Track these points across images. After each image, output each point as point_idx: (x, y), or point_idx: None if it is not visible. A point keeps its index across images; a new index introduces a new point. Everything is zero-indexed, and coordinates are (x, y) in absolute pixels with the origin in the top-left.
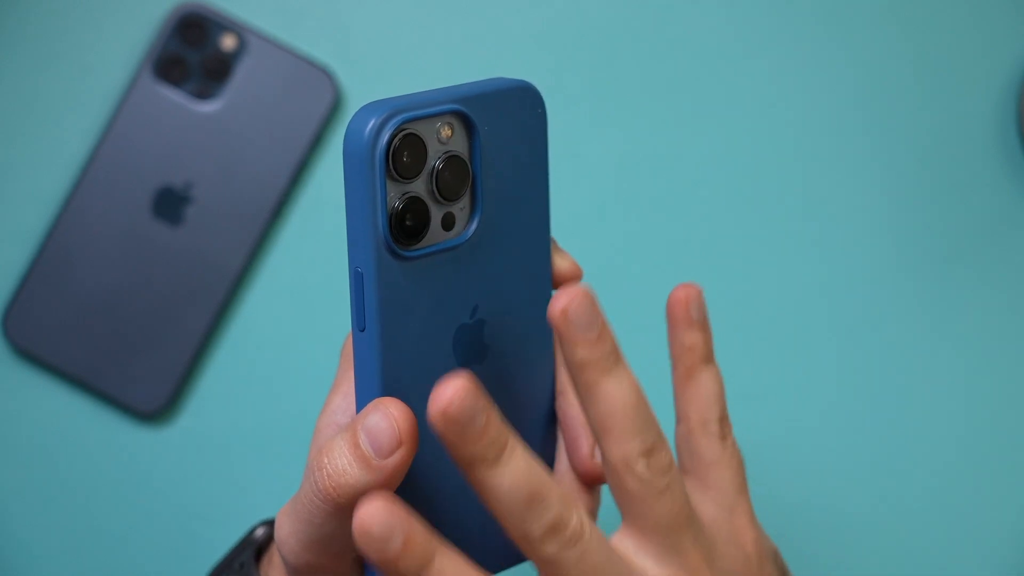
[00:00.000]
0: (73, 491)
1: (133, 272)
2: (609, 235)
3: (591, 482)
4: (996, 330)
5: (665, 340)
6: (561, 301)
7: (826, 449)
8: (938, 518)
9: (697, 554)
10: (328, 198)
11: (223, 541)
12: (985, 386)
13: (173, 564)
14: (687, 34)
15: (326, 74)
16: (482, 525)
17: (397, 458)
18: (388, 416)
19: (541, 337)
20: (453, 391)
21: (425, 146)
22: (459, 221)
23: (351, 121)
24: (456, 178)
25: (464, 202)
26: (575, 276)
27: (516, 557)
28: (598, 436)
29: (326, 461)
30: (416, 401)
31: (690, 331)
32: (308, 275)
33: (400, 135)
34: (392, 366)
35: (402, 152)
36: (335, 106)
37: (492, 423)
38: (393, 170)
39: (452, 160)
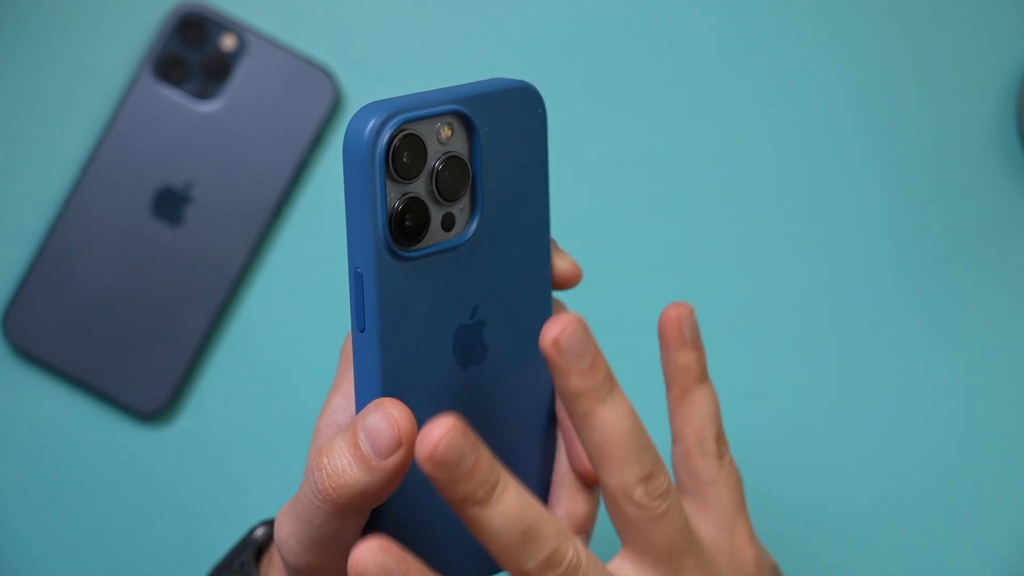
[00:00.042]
0: (73, 491)
1: (133, 272)
2: (609, 235)
3: (592, 482)
4: (996, 330)
5: None
6: (552, 331)
7: (826, 449)
8: (938, 518)
9: None
10: (328, 198)
11: (223, 541)
12: (985, 386)
13: (173, 564)
14: (687, 34)
15: (326, 74)
16: None
17: (397, 459)
18: (388, 417)
19: None
20: (440, 433)
21: (425, 146)
22: (459, 221)
23: (351, 121)
24: (456, 178)
25: (464, 202)
26: (576, 276)
27: None
28: (595, 464)
29: (326, 461)
30: (416, 402)
31: (683, 351)
32: (308, 275)
33: (400, 135)
34: (392, 366)
35: (402, 152)
36: (335, 106)
37: (481, 462)
38: (393, 170)
39: (452, 160)
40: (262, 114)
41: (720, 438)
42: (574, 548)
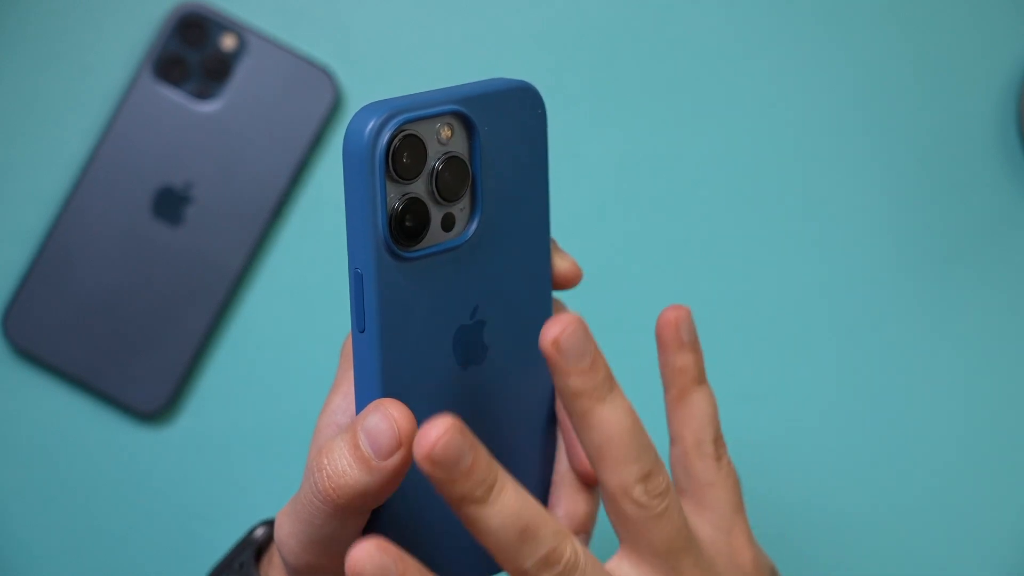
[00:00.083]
0: (73, 491)
1: (133, 272)
2: (609, 235)
3: (591, 483)
4: (996, 330)
5: None
6: (552, 331)
7: (826, 449)
8: (938, 518)
9: None
10: (328, 198)
11: (223, 541)
12: (985, 386)
13: (173, 564)
14: (687, 34)
15: (326, 74)
16: None
17: (397, 459)
18: (388, 417)
19: None
20: (438, 432)
21: (425, 147)
22: (459, 222)
23: (351, 122)
24: (456, 179)
25: (464, 203)
26: (576, 277)
27: None
28: (594, 463)
29: (326, 462)
30: (416, 402)
31: (681, 353)
32: (308, 275)
33: (400, 136)
34: (392, 367)
35: (402, 153)
36: (335, 106)
37: (479, 462)
38: (393, 171)
39: (452, 161)
40: (262, 114)
41: (718, 440)
42: (572, 547)
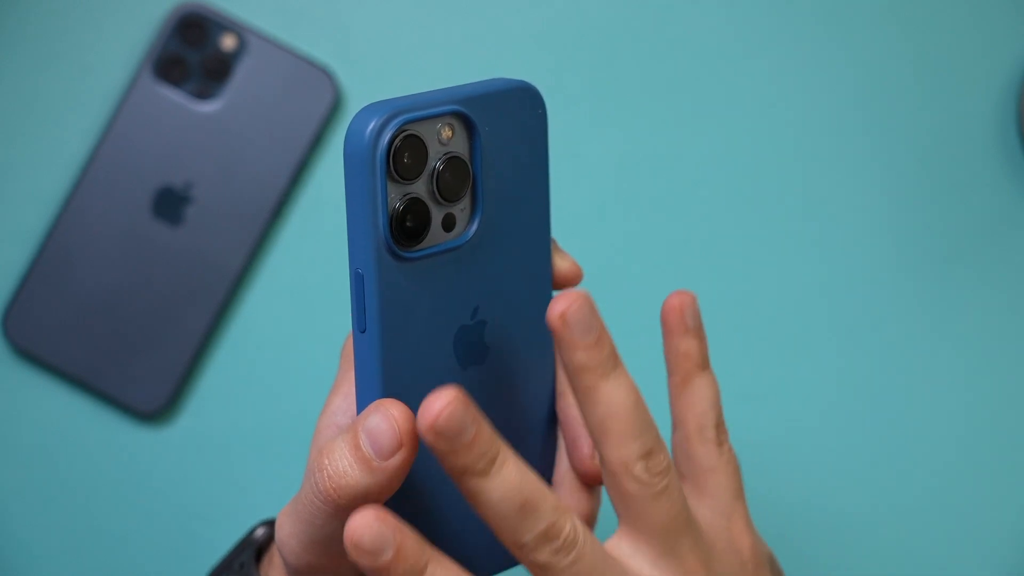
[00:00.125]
0: (73, 491)
1: (133, 272)
2: (609, 235)
3: (592, 483)
4: (996, 330)
5: None
6: (560, 305)
7: (826, 449)
8: (938, 518)
9: (694, 558)
10: (328, 198)
11: (223, 541)
12: (985, 386)
13: (173, 564)
14: (687, 34)
15: (326, 74)
16: (479, 526)
17: (398, 460)
18: (389, 418)
19: (542, 338)
20: (441, 404)
21: (426, 147)
22: (460, 222)
23: (352, 122)
24: (457, 179)
25: (465, 203)
26: (576, 277)
27: (513, 559)
28: (596, 439)
29: (327, 462)
30: (417, 402)
31: (685, 338)
32: (308, 275)
33: (401, 136)
34: (393, 367)
35: (403, 153)
36: (335, 106)
37: (482, 434)
38: (394, 171)
39: (452, 161)
40: (262, 114)
41: (720, 426)
42: (572, 523)
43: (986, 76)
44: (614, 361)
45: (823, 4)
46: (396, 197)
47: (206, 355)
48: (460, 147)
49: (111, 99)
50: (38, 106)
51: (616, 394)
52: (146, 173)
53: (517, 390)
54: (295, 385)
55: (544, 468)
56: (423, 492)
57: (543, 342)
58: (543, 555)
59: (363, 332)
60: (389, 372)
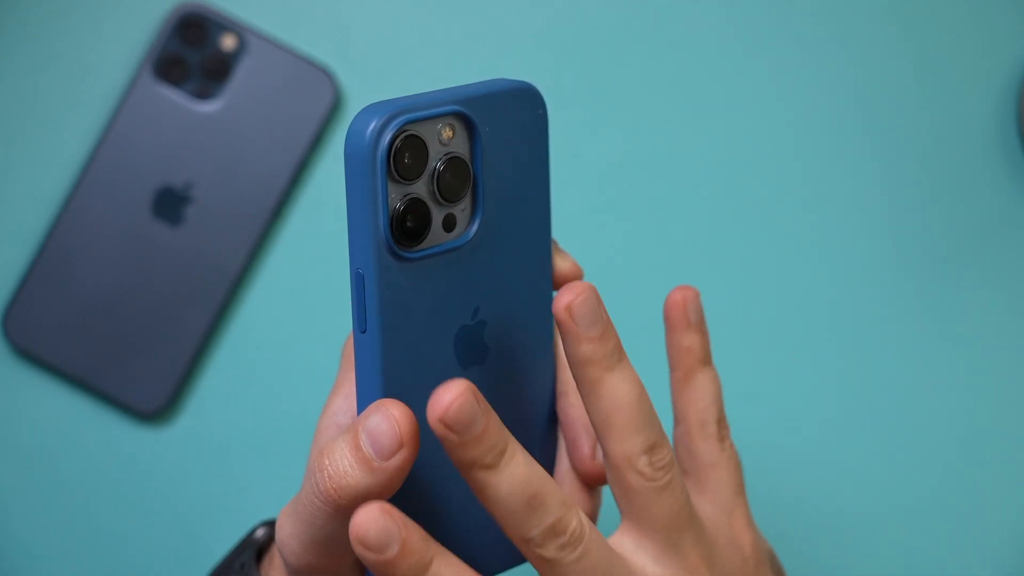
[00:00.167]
0: (73, 491)
1: (133, 272)
2: (609, 235)
3: (592, 483)
4: (996, 330)
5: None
6: (566, 297)
7: (826, 449)
8: (938, 518)
9: (696, 554)
10: (328, 198)
11: (223, 541)
12: (985, 386)
13: (173, 564)
14: (687, 34)
15: (326, 74)
16: (483, 526)
17: (398, 460)
18: (389, 418)
19: (542, 338)
20: (452, 396)
21: (426, 147)
22: (460, 222)
23: (352, 122)
24: (457, 179)
25: (465, 203)
26: (576, 277)
27: (517, 557)
28: (600, 433)
29: (327, 463)
30: (417, 402)
31: (688, 333)
32: (308, 275)
33: (401, 136)
34: (393, 367)
35: (403, 153)
36: (335, 106)
37: (491, 427)
38: (394, 171)
39: (453, 161)
40: (262, 114)
41: (721, 421)
42: (578, 519)
43: (986, 76)
44: (619, 354)
45: (823, 4)
46: (396, 197)
47: (206, 355)
48: (461, 147)
49: (111, 99)
50: (38, 106)
51: (620, 387)
52: (146, 173)
53: (517, 390)
54: (295, 385)
55: (544, 468)
56: (424, 492)
57: (544, 342)
58: (549, 550)
59: (363, 332)
60: (389, 372)
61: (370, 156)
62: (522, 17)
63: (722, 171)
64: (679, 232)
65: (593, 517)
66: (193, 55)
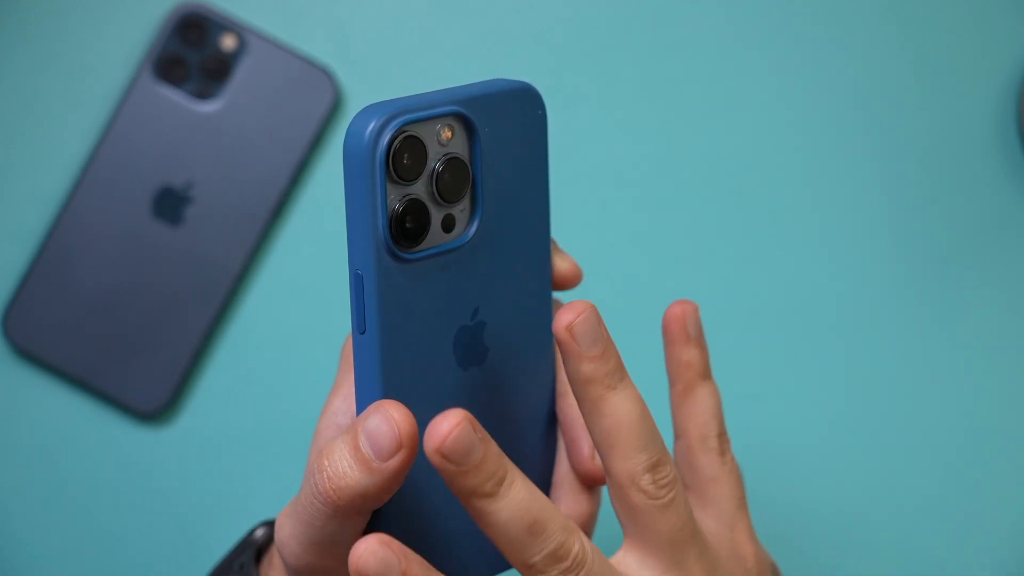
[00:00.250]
0: (73, 491)
1: (133, 272)
2: (609, 235)
3: (592, 483)
4: (996, 330)
5: None
6: (566, 317)
7: (826, 449)
8: (938, 518)
9: (700, 569)
10: (328, 198)
11: (223, 541)
12: (986, 386)
13: (173, 564)
14: (687, 34)
15: (326, 74)
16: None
17: (397, 461)
18: (388, 419)
19: (542, 339)
20: (449, 426)
21: (425, 148)
22: (459, 223)
23: (351, 123)
24: (456, 180)
25: (464, 204)
26: (576, 277)
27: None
28: (602, 452)
29: (326, 463)
30: (417, 403)
31: (687, 347)
32: (308, 275)
33: (400, 137)
34: (392, 368)
35: (402, 154)
36: (335, 106)
37: (489, 456)
38: (393, 172)
39: (452, 162)
40: (262, 114)
41: (722, 435)
42: (580, 543)
43: (986, 76)
44: (620, 373)
45: (823, 4)
46: (396, 198)
47: (206, 355)
48: (460, 148)
49: (111, 99)
50: (38, 106)
51: (622, 406)
52: (146, 173)
53: (517, 391)
54: (295, 385)
55: (544, 469)
56: (423, 493)
57: (543, 343)
58: (552, 575)
59: (363, 333)
60: (389, 373)
61: (369, 157)
62: (522, 17)
63: (722, 171)
64: (679, 232)
65: (593, 517)
66: (193, 55)
